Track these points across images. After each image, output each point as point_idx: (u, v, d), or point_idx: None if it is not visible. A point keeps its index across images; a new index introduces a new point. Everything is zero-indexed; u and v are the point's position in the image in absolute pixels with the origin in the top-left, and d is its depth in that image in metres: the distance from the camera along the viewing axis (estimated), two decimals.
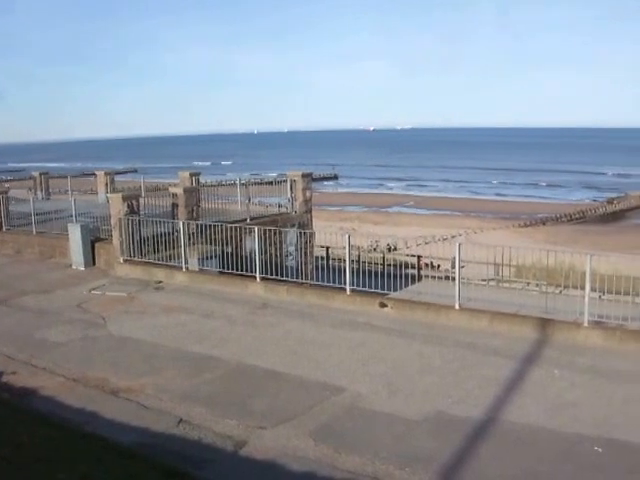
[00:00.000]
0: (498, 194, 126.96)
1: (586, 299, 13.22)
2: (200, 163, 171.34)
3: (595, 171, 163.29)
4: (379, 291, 16.03)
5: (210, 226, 19.72)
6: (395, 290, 16.52)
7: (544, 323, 13.60)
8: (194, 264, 19.44)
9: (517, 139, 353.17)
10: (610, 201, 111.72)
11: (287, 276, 18.41)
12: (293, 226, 26.23)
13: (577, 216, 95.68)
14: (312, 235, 25.34)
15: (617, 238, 68.86)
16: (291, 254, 24.09)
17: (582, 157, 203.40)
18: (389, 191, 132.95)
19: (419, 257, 33.31)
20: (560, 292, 17.13)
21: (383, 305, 15.40)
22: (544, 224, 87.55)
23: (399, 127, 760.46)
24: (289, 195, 27.04)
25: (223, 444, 9.05)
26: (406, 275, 17.03)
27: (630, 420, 9.64)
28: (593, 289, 14.11)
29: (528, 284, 23.17)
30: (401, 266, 17.69)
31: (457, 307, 14.68)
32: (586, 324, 13.26)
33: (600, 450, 8.70)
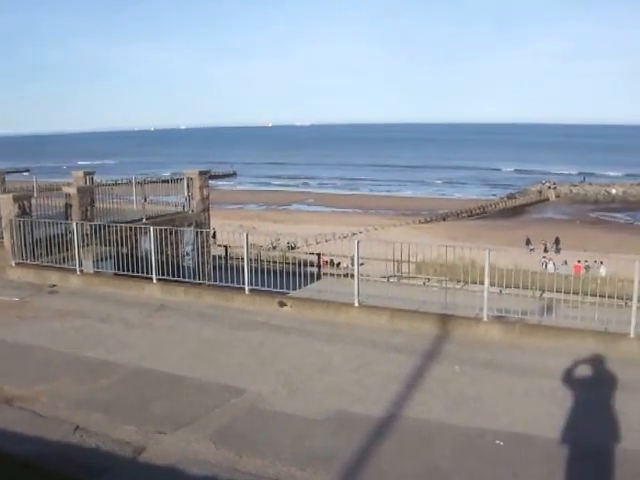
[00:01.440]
0: (398, 191, 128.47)
1: (485, 294, 13.55)
2: (94, 162, 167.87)
3: (492, 167, 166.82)
4: (279, 290, 16.05)
5: (105, 227, 19.36)
6: (295, 289, 16.57)
7: (444, 319, 13.87)
8: (89, 266, 19.05)
9: (418, 134, 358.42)
10: (510, 196, 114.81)
11: (185, 277, 18.29)
12: (190, 225, 26.04)
13: (478, 211, 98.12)
14: (209, 234, 25.25)
15: (518, 233, 70.62)
16: (188, 254, 23.93)
17: (480, 153, 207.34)
18: (288, 188, 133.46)
19: (319, 255, 33.48)
20: (461, 287, 17.46)
21: (282, 304, 15.43)
22: (445, 220, 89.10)
23: (299, 123, 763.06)
24: (186, 194, 26.83)
25: (121, 450, 8.88)
26: (306, 273, 17.09)
27: (529, 412, 9.97)
28: (493, 284, 14.41)
29: (429, 280, 23.53)
30: (301, 264, 17.77)
31: (357, 305, 14.82)
32: (486, 319, 13.61)
33: (501, 444, 8.93)
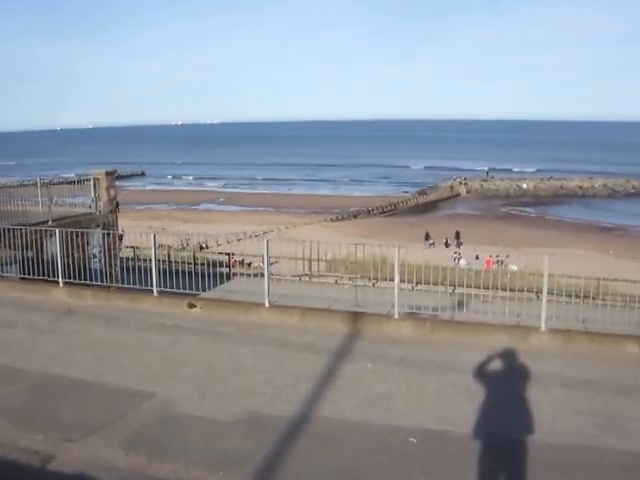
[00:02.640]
0: (309, 189, 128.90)
1: (396, 291, 13.73)
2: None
3: (400, 164, 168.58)
4: (189, 292, 15.95)
5: (9, 230, 18.99)
6: (206, 290, 16.50)
7: (355, 317, 13.99)
8: None
9: (328, 132, 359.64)
10: (422, 192, 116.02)
11: (92, 280, 18.00)
12: (97, 227, 25.70)
13: (389, 208, 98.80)
14: (117, 236, 24.97)
15: (429, 229, 71.40)
16: (96, 256, 23.59)
17: (384, 150, 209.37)
18: (198, 188, 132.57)
19: (230, 255, 33.39)
20: (372, 285, 17.56)
21: (192, 306, 15.34)
22: (356, 217, 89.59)
23: (209, 121, 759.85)
24: (92, 195, 26.46)
25: (28, 460, 8.68)
26: (217, 274, 17.03)
27: (442, 409, 10.15)
28: (404, 280, 14.58)
29: (341, 278, 23.64)
30: (212, 265, 17.70)
31: (267, 304, 14.84)
32: (397, 316, 13.74)
33: (414, 441, 9.05)
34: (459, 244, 67.05)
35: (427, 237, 67.32)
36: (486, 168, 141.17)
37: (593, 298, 15.48)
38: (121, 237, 27.33)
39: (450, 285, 18.46)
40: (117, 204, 28.26)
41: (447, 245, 66.11)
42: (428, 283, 15.76)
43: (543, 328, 13.09)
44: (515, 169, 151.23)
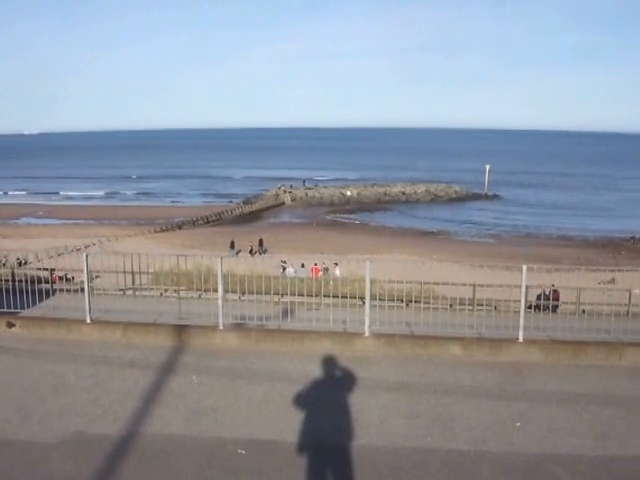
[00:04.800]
0: (133, 200, 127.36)
1: (220, 302, 13.76)
2: None
3: (222, 174, 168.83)
4: (8, 310, 15.38)
5: None
6: (26, 308, 15.96)
7: (181, 330, 13.90)
8: None
9: (151, 141, 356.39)
10: (247, 201, 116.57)
11: None
12: None
13: (214, 218, 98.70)
14: None
15: (254, 238, 71.68)
16: None
17: (201, 160, 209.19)
18: (16, 201, 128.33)
19: (52, 270, 32.46)
20: (199, 296, 17.48)
21: (11, 325, 14.77)
22: (180, 228, 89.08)
23: (27, 132, 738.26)
24: None
25: None
26: (39, 290, 16.49)
27: (269, 418, 10.29)
28: (228, 291, 14.59)
29: (166, 291, 23.40)
30: (33, 281, 17.15)
31: (89, 321, 14.46)
32: (222, 327, 13.69)
33: (244, 452, 9.09)
34: (263, 251, 68.50)
35: (232, 246, 67.75)
36: (306, 177, 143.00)
37: (417, 302, 15.88)
38: None
39: (277, 294, 18.58)
40: None
41: (252, 253, 66.58)
42: (256, 293, 15.79)
43: (367, 333, 13.41)
44: (334, 176, 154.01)
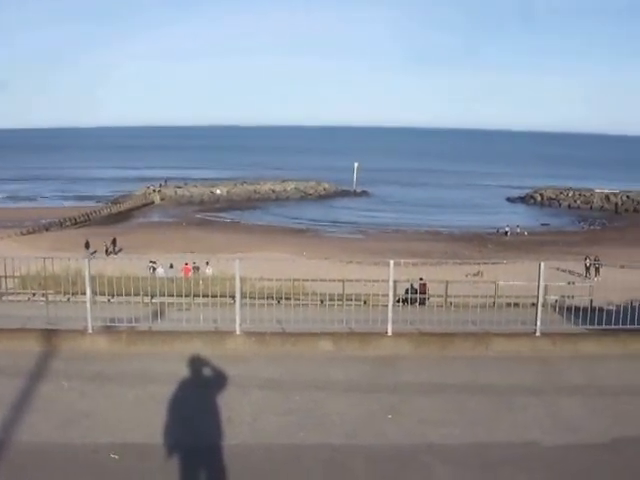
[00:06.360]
0: None
1: (88, 305, 13.46)
2: None
3: (88, 174, 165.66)
4: None
5: None
6: None
7: (49, 334, 13.55)
8: None
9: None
10: (116, 201, 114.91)
11: None
12: None
13: (82, 219, 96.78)
14: None
15: (128, 238, 71.00)
16: None
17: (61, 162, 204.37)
18: None
19: None
20: (68, 300, 17.18)
21: None
22: (47, 230, 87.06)
23: None
24: None
25: None
26: None
27: (141, 421, 10.22)
28: (96, 293, 14.33)
29: (34, 295, 22.90)
30: None
31: None
32: (91, 330, 13.46)
33: (117, 457, 8.99)
34: (116, 251, 68.16)
35: (87, 246, 66.46)
36: (164, 177, 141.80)
37: (288, 299, 15.96)
38: None
39: (147, 295, 18.40)
40: None
41: (107, 253, 66.25)
42: (125, 294, 15.60)
43: (238, 332, 13.46)
44: (201, 175, 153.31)
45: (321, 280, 25.11)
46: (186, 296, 15.77)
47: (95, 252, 63.82)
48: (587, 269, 53.26)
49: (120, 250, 67.86)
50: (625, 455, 9.35)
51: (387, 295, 14.16)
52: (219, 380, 11.47)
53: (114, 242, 69.93)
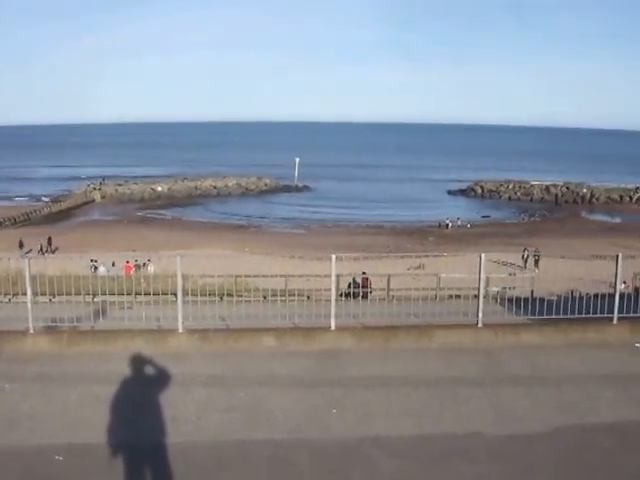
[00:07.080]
0: None
1: (29, 305, 13.28)
2: None
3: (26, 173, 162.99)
4: None
5: None
6: None
7: None
8: None
9: None
10: (55, 200, 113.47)
11: None
12: None
13: (22, 219, 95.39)
14: None
15: (68, 236, 70.37)
16: None
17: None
18: None
19: None
20: (9, 300, 16.96)
21: None
22: None
23: None
24: None
25: None
26: None
27: (85, 422, 10.13)
28: (37, 293, 14.18)
29: None
30: None
31: None
32: (32, 331, 13.31)
33: (61, 458, 8.94)
34: (53, 250, 67.55)
35: (21, 245, 65.65)
36: (102, 175, 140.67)
37: (230, 295, 15.93)
38: None
39: (89, 294, 18.24)
40: None
41: (43, 252, 65.54)
42: (66, 294, 15.45)
43: (181, 329, 13.42)
44: (139, 173, 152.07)
45: (264, 276, 25.09)
46: (128, 294, 15.58)
47: (30, 251, 62.86)
48: (525, 261, 53.79)
49: (56, 249, 67.09)
50: (568, 444, 9.53)
51: (330, 290, 14.21)
52: (162, 378, 11.42)
53: (49, 241, 69.13)
